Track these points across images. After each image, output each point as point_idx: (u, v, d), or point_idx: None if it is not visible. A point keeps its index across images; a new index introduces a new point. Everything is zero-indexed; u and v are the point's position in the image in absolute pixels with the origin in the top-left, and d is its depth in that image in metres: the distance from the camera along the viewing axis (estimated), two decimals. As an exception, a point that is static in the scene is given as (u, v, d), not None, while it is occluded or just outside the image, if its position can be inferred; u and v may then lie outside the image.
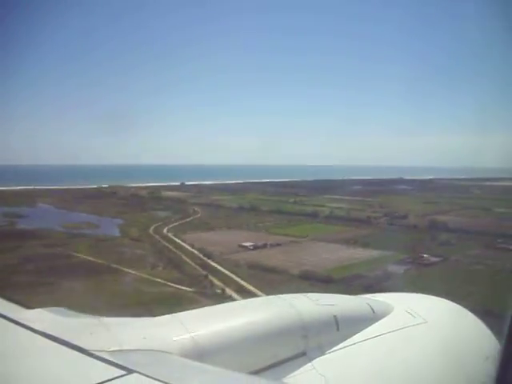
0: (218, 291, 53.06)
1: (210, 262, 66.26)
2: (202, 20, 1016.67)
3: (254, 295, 51.60)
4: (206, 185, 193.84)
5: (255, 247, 75.91)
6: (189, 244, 77.32)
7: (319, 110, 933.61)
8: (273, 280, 57.02)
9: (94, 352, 2.19)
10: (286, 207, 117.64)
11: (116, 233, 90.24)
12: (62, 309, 3.05)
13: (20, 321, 2.60)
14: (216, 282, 56.84)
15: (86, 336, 2.38)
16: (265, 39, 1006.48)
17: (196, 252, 72.10)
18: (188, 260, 67.12)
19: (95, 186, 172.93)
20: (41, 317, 2.72)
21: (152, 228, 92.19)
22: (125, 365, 2.06)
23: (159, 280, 58.57)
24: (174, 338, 2.50)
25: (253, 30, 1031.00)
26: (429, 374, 3.11)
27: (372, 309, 3.39)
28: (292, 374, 2.68)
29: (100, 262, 67.02)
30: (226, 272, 61.14)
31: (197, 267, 63.29)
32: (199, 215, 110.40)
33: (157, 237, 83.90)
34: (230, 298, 50.73)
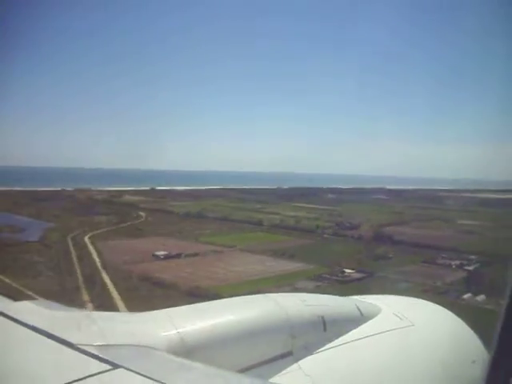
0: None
1: (101, 272, 59.24)
2: (203, 23, 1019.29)
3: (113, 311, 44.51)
4: (177, 190, 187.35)
5: (167, 257, 68.86)
6: (98, 252, 70.40)
7: (319, 117, 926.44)
8: (152, 296, 49.73)
9: (79, 346, 2.13)
10: (235, 214, 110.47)
11: (34, 238, 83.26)
12: (48, 301, 2.89)
13: (5, 312, 2.47)
14: (84, 295, 49.76)
15: (73, 330, 2.29)
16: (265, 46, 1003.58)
17: (98, 261, 65.09)
18: (78, 270, 60.07)
19: (59, 189, 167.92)
20: (27, 309, 2.60)
21: (75, 233, 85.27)
22: (110, 359, 2.03)
23: (28, 291, 51.46)
24: (161, 334, 2.42)
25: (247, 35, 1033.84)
26: (415, 376, 3.05)
27: (360, 310, 3.29)
28: (278, 374, 2.63)
29: (-18, 269, 60.24)
30: (108, 285, 54.07)
31: (80, 278, 56.20)
32: (139, 221, 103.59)
33: (71, 243, 76.91)
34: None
